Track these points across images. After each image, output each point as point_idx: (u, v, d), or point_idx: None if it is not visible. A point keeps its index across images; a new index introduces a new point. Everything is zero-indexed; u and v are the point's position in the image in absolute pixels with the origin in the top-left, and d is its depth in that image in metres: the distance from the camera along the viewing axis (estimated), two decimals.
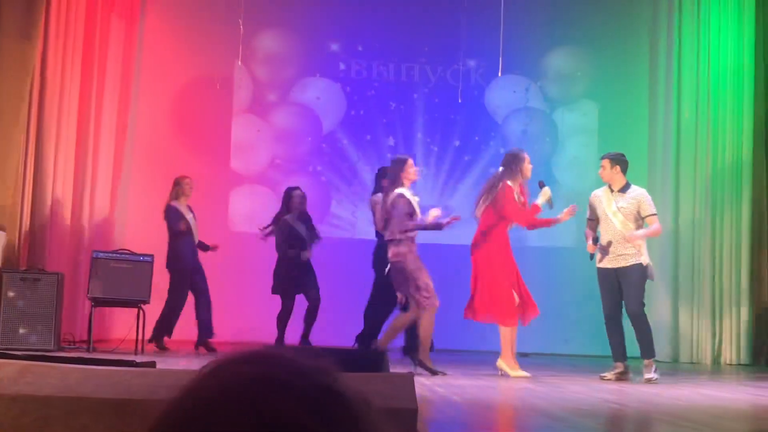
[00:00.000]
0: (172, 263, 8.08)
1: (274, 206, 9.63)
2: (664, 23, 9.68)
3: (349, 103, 9.81)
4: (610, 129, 9.93)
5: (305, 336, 8.36)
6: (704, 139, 9.31)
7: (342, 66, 9.84)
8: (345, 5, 9.85)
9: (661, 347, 8.89)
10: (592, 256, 6.90)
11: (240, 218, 9.59)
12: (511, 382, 6.25)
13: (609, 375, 6.68)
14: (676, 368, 8.16)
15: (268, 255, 9.44)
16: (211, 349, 8.04)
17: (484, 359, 7.95)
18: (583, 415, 4.57)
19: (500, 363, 6.81)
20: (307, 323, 8.33)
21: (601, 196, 6.87)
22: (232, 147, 9.60)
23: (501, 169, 7.08)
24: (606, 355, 8.58)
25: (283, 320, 8.30)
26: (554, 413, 4.66)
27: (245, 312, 9.29)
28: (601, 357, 8.67)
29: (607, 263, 6.75)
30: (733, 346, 9.09)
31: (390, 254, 6.85)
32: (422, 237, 9.66)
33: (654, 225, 6.76)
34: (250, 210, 9.60)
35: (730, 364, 8.98)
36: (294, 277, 8.29)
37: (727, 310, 9.11)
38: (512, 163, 6.96)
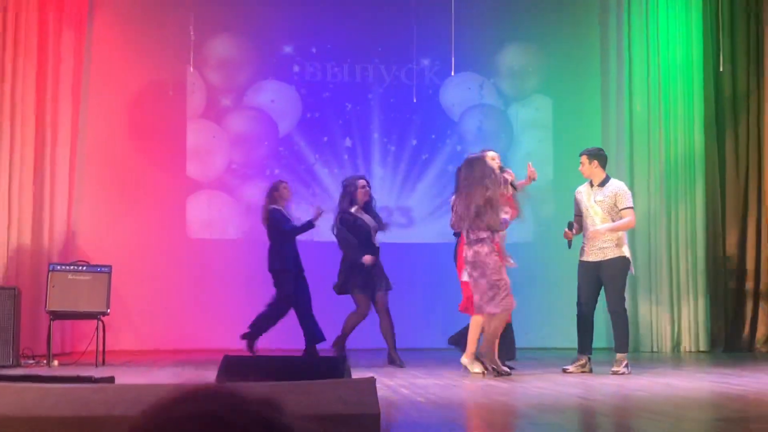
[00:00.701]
0: (278, 264, 8.00)
1: (230, 211, 9.58)
2: (613, 18, 9.79)
3: (305, 106, 9.77)
4: (564, 123, 10.02)
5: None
6: (656, 132, 9.44)
7: (296, 68, 9.80)
8: (296, 7, 9.80)
9: (606, 335, 9.01)
10: (569, 244, 6.96)
11: (198, 225, 9.52)
12: (474, 380, 6.27)
13: (572, 368, 6.75)
14: (637, 358, 8.25)
15: (227, 261, 9.39)
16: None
17: (446, 357, 7.97)
18: (547, 411, 4.61)
19: (465, 360, 6.86)
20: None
21: (583, 192, 6.99)
22: (187, 153, 9.52)
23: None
24: (565, 347, 8.68)
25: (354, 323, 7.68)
26: (519, 409, 4.69)
27: (204, 318, 9.22)
28: (562, 349, 8.76)
29: (589, 257, 6.84)
30: (692, 334, 9.23)
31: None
32: (396, 236, 9.70)
33: (625, 218, 6.83)
34: (208, 216, 9.53)
35: (690, 352, 9.12)
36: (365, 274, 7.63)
37: (684, 300, 9.25)
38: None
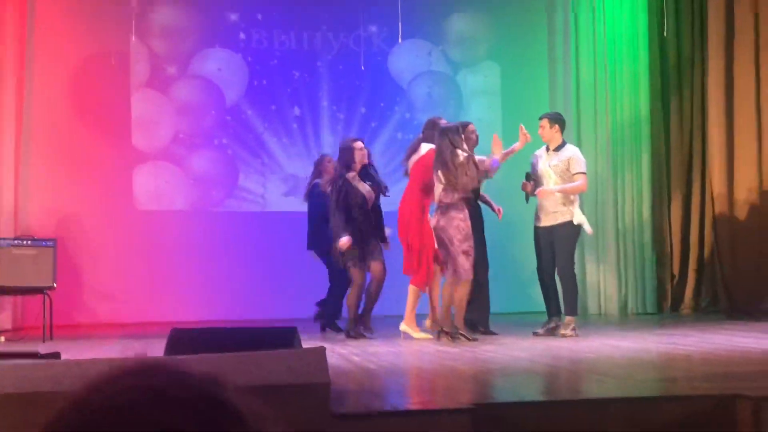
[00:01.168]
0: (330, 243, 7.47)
1: (178, 181, 9.47)
2: None
3: (252, 74, 9.66)
4: (512, 90, 10.06)
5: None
6: (603, 97, 9.52)
7: (242, 36, 9.67)
8: None
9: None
10: (527, 198, 7.03)
11: (146, 196, 9.39)
12: (424, 346, 6.31)
13: (542, 331, 6.87)
14: (585, 320, 8.37)
15: (175, 233, 9.29)
16: (337, 329, 7.58)
17: (397, 324, 8.01)
18: (495, 374, 4.66)
19: (403, 326, 6.93)
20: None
21: (539, 156, 7.07)
22: (132, 124, 9.36)
23: (420, 136, 7.19)
24: (515, 312, 8.78)
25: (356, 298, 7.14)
26: (467, 373, 4.73)
27: (152, 291, 9.13)
28: (512, 314, 8.87)
29: (542, 222, 6.93)
30: (638, 296, 9.40)
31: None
32: None
33: (576, 182, 6.90)
34: (156, 187, 9.40)
35: (636, 314, 9.29)
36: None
37: (631, 262, 9.40)
38: (430, 129, 7.08)
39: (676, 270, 9.48)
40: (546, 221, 6.91)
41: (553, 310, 6.96)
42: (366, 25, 9.77)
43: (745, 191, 8.71)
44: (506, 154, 7.15)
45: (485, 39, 10.15)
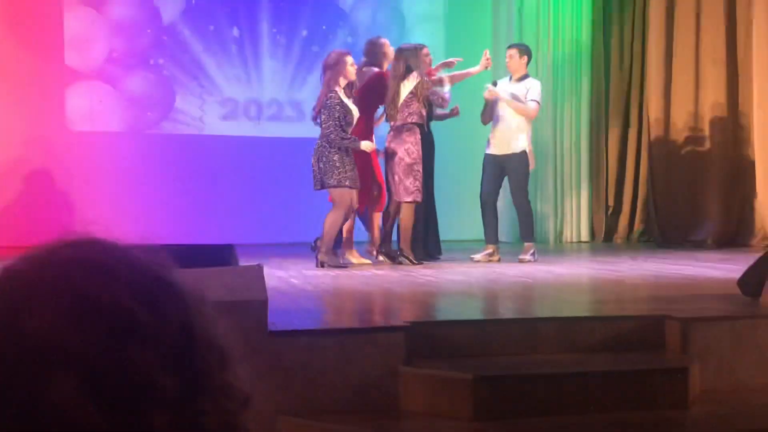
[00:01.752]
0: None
1: (113, 102, 9.22)
2: None
3: None
4: (456, 16, 9.97)
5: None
6: (545, 27, 9.50)
7: None
8: None
9: (507, 228, 9.24)
10: (486, 104, 7.11)
11: (79, 117, 9.13)
12: (363, 270, 6.34)
13: (479, 256, 6.95)
14: (520, 247, 8.48)
15: (110, 154, 9.09)
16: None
17: (337, 249, 8.02)
18: (431, 296, 4.71)
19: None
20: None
21: (500, 84, 7.15)
22: (65, 41, 9.04)
23: (363, 59, 7.10)
24: (467, 239, 8.85)
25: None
26: (403, 295, 4.77)
27: (87, 211, 8.96)
28: (463, 241, 8.97)
29: (494, 150, 6.98)
30: (574, 225, 9.55)
31: None
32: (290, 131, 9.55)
33: (531, 107, 6.98)
34: (89, 107, 9.14)
35: (571, 242, 9.45)
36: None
37: (567, 192, 9.52)
38: (372, 52, 6.99)
39: (611, 200, 9.63)
40: (499, 149, 6.98)
41: (491, 236, 7.05)
42: None
43: (681, 120, 8.84)
44: (462, 75, 7.19)
45: None
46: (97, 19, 9.14)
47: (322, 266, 6.36)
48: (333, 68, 6.54)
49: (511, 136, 6.95)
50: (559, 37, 9.50)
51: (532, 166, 7.18)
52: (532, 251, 6.95)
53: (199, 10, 9.37)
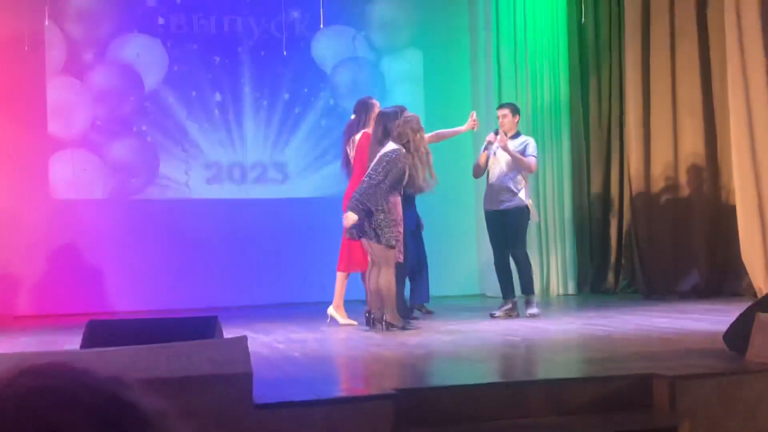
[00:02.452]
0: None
1: (97, 170, 9.24)
2: None
3: (171, 59, 9.46)
4: (435, 76, 10.10)
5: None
6: (523, 83, 9.64)
7: (161, 20, 9.46)
8: None
9: (494, 283, 9.24)
10: (486, 146, 7.17)
11: (63, 185, 9.13)
12: (349, 332, 6.31)
13: (499, 312, 6.98)
14: (490, 302, 8.47)
15: (94, 222, 9.08)
16: (428, 312, 7.48)
17: (322, 311, 7.99)
18: (418, 359, 4.69)
19: (331, 310, 6.92)
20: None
21: (493, 141, 7.22)
22: (48, 111, 9.08)
23: (353, 117, 7.12)
24: (439, 296, 8.83)
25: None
26: (390, 359, 4.75)
27: (70, 281, 8.91)
28: (466, 297, 8.98)
29: (490, 205, 7.05)
30: (560, 277, 9.57)
31: None
32: (277, 191, 9.58)
33: (530, 160, 7.07)
34: (73, 175, 9.16)
35: (558, 295, 9.46)
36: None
37: (552, 244, 9.56)
38: (362, 111, 6.99)
39: (596, 251, 9.68)
40: (497, 205, 7.06)
41: (508, 291, 7.12)
42: (288, 10, 9.67)
43: (662, 171, 8.93)
44: (449, 133, 7.28)
45: (407, 25, 10.16)
46: (79, 87, 9.21)
47: (389, 329, 6.21)
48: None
49: (505, 192, 7.04)
50: (538, 94, 9.63)
51: (534, 219, 7.29)
52: (535, 302, 7.06)
53: (181, 76, 9.46)
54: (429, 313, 7.55)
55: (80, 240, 8.99)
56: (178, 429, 0.73)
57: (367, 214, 6.26)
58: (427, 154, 6.44)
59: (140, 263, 9.08)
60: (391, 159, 6.27)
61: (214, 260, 9.33)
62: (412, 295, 7.55)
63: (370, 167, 6.37)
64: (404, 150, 6.35)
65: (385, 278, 6.26)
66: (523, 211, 7.07)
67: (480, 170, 7.28)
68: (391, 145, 6.40)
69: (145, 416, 0.71)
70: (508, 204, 7.05)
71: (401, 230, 6.59)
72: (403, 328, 6.22)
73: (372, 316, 6.42)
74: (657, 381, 3.85)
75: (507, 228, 7.09)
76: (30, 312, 8.65)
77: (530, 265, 7.31)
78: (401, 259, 6.64)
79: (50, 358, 0.75)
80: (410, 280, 7.43)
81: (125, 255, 9.07)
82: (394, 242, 6.30)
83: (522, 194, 7.08)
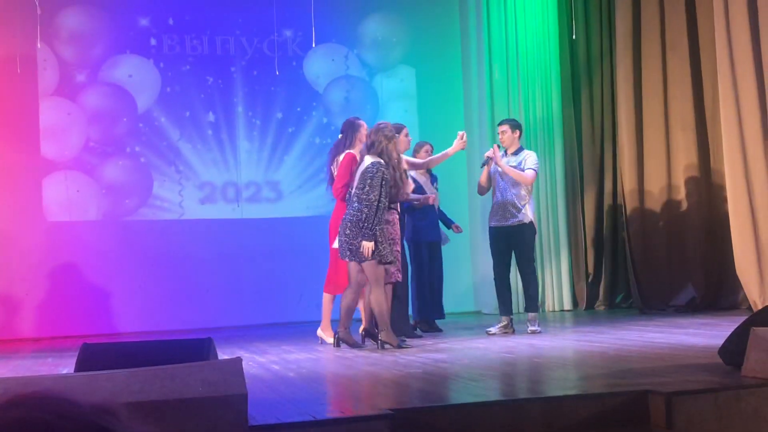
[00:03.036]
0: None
1: (90, 191, 9.23)
2: None
3: (164, 80, 9.48)
4: (428, 93, 10.14)
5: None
6: (516, 98, 9.67)
7: (153, 41, 9.48)
8: None
9: (489, 300, 9.24)
10: (485, 162, 7.16)
11: (56, 207, 9.12)
12: (344, 352, 6.29)
13: (494, 329, 6.98)
14: (481, 319, 8.46)
15: (87, 243, 9.06)
16: (436, 329, 7.49)
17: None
18: (414, 378, 4.67)
19: (320, 332, 6.91)
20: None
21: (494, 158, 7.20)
22: (41, 132, 9.09)
23: (340, 136, 7.11)
24: (462, 312, 8.80)
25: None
26: (385, 378, 4.73)
27: (64, 304, 8.88)
28: (460, 314, 8.91)
29: (495, 222, 7.04)
30: (555, 294, 9.56)
31: None
32: (270, 210, 9.56)
33: (527, 172, 7.05)
34: (66, 197, 9.15)
35: (553, 311, 9.45)
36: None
37: (547, 261, 9.56)
38: (348, 131, 6.97)
39: (591, 267, 9.67)
40: (502, 222, 7.06)
41: (506, 308, 7.10)
42: (280, 30, 9.70)
43: (655, 186, 8.95)
44: (439, 158, 7.25)
45: (399, 42, 10.20)
46: (72, 109, 9.21)
47: (383, 347, 6.21)
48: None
49: (511, 208, 7.04)
50: (530, 109, 9.66)
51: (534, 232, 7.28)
52: (537, 321, 7.07)
53: (174, 97, 9.47)
54: (437, 330, 7.54)
55: (74, 261, 8.97)
56: None
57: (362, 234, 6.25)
58: (399, 161, 6.42)
59: (134, 284, 9.06)
60: (373, 175, 6.25)
61: (208, 280, 9.31)
62: (430, 310, 7.56)
63: (356, 186, 6.35)
64: (383, 161, 6.34)
65: (374, 297, 6.25)
66: (528, 227, 7.07)
67: (483, 188, 7.28)
68: (368, 159, 6.38)
69: None
70: (512, 220, 7.06)
71: (399, 249, 6.59)
72: (399, 347, 6.20)
73: (337, 336, 6.43)
74: (653, 397, 3.84)
75: (512, 245, 7.08)
76: (24, 335, 8.61)
77: (538, 282, 7.33)
78: (400, 278, 6.63)
79: (34, 387, 0.74)
80: (423, 295, 7.47)
81: (119, 276, 9.05)
82: (391, 258, 6.28)
83: (527, 210, 7.08)
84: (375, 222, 6.21)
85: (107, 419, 0.72)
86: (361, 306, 6.75)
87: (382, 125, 6.50)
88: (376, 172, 6.24)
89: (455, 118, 10.03)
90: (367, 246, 6.17)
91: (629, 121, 9.07)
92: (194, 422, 3.30)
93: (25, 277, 8.82)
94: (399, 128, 6.98)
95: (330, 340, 6.78)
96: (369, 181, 6.23)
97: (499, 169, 7.14)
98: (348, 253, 6.31)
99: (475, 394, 4.03)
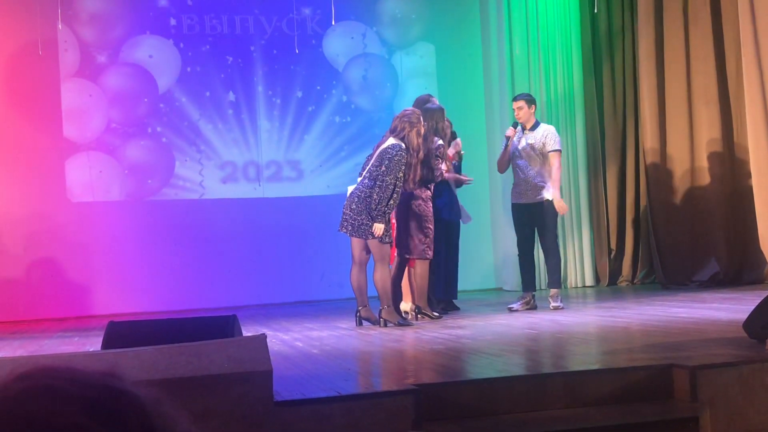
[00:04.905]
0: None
1: (113, 172, 9.29)
2: None
3: (184, 60, 9.50)
4: (448, 70, 10.09)
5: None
6: (537, 73, 9.60)
7: (173, 21, 9.49)
8: None
9: (511, 277, 9.24)
10: (508, 141, 7.17)
11: (79, 188, 9.19)
12: (366, 329, 6.32)
13: (517, 305, 6.98)
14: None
15: (111, 224, 9.13)
16: (454, 308, 7.41)
17: (342, 307, 8.01)
18: (437, 354, 4.69)
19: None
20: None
21: (513, 136, 7.23)
22: (63, 114, 9.14)
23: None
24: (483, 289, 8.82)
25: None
26: (408, 354, 4.75)
27: (90, 283, 8.97)
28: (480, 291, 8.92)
29: (517, 199, 7.08)
30: (577, 270, 9.53)
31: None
32: (293, 189, 9.60)
33: (554, 167, 7.06)
34: (89, 178, 9.21)
35: (575, 288, 9.43)
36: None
37: (569, 236, 9.52)
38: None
39: (613, 243, 9.63)
40: (525, 198, 7.06)
41: (529, 284, 7.12)
42: (299, 8, 9.68)
43: (678, 161, 8.88)
44: (456, 178, 7.23)
45: (419, 19, 10.15)
46: (93, 90, 9.26)
47: (385, 325, 6.25)
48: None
49: (533, 185, 7.04)
50: (551, 84, 9.59)
51: (563, 211, 7.22)
52: (559, 297, 7.05)
53: (194, 77, 9.49)
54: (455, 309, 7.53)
55: (98, 242, 9.05)
56: (175, 417, 0.74)
57: (368, 211, 6.28)
58: (419, 152, 6.41)
59: (158, 264, 9.13)
60: (392, 157, 6.27)
61: (230, 259, 9.36)
62: (441, 290, 7.54)
63: (372, 164, 6.37)
64: (403, 145, 6.34)
65: (379, 274, 6.30)
66: (551, 204, 7.07)
67: (503, 166, 7.30)
68: (390, 141, 6.40)
69: (141, 403, 0.71)
70: (536, 198, 7.05)
71: (431, 226, 6.61)
72: (400, 325, 6.22)
73: (358, 314, 6.45)
74: (677, 371, 3.83)
75: (535, 222, 7.09)
76: (50, 315, 8.71)
77: (560, 257, 7.32)
78: (431, 256, 6.64)
79: (42, 362, 0.76)
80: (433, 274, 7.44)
81: (143, 256, 9.12)
82: (388, 240, 6.29)
83: (548, 189, 7.07)
84: (389, 205, 6.23)
85: (114, 381, 0.73)
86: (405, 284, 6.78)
87: (408, 111, 6.51)
88: (395, 155, 6.26)
89: (475, 95, 9.99)
90: (378, 228, 6.20)
91: (651, 96, 8.98)
92: (220, 398, 3.34)
93: (50, 258, 8.91)
94: (425, 100, 6.98)
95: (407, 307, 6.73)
96: (387, 162, 6.25)
97: (519, 146, 7.12)
98: (350, 228, 6.35)
99: (498, 369, 4.05)
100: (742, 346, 4.24)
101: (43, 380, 0.70)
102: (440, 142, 6.78)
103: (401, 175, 6.27)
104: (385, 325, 6.24)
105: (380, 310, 6.31)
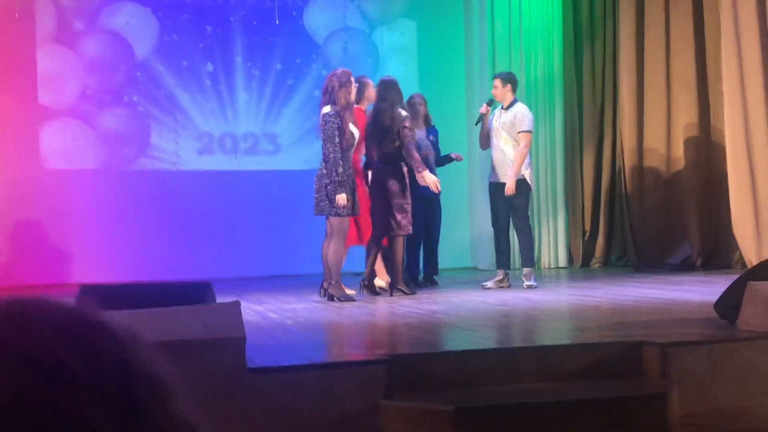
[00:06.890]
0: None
1: (88, 140, 9.20)
2: None
3: (162, 29, 9.39)
4: (429, 47, 10.05)
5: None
6: (517, 54, 9.60)
7: None
8: None
9: (486, 256, 9.27)
10: (480, 119, 7.22)
11: (54, 155, 9.09)
12: (342, 303, 6.32)
13: (490, 284, 7.01)
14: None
15: (86, 192, 9.05)
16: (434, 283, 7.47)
17: (317, 281, 8.00)
18: (410, 327, 4.70)
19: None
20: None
21: (493, 113, 7.27)
22: (38, 80, 9.02)
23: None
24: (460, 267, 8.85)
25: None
26: (381, 327, 4.77)
27: (63, 251, 8.90)
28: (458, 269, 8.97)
29: (493, 177, 7.17)
30: (551, 250, 9.59)
31: None
32: (269, 163, 9.53)
33: (520, 145, 7.05)
34: (64, 145, 9.11)
35: (549, 268, 9.48)
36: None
37: (544, 218, 9.57)
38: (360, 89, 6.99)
39: (588, 224, 9.69)
40: (497, 177, 7.09)
41: (502, 262, 7.15)
42: None
43: (655, 144, 8.93)
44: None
45: None
46: (70, 57, 9.14)
47: (332, 300, 6.26)
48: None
49: (506, 164, 7.06)
50: (532, 66, 9.59)
51: (508, 192, 7.21)
52: (533, 276, 7.10)
53: (172, 46, 9.40)
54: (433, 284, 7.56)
55: (72, 210, 8.96)
56: (151, 354, 0.73)
57: (323, 187, 6.30)
58: (346, 108, 6.38)
59: (132, 234, 9.06)
60: (324, 129, 6.35)
61: (205, 231, 9.32)
62: (417, 266, 7.56)
63: None
64: (332, 111, 6.37)
65: (333, 247, 6.33)
66: (522, 183, 7.08)
67: (483, 142, 7.34)
68: (326, 108, 6.44)
69: (117, 335, 0.70)
70: (506, 178, 7.07)
71: (408, 201, 6.59)
72: (343, 300, 6.21)
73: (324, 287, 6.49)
74: (647, 348, 3.87)
75: (506, 200, 7.11)
76: (21, 282, 8.63)
77: (532, 237, 7.36)
78: (410, 231, 6.64)
79: (16, 294, 0.76)
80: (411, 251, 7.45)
81: (117, 225, 9.05)
82: (341, 211, 6.29)
83: (521, 168, 7.09)
84: (339, 173, 6.23)
85: (91, 314, 0.72)
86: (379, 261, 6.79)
87: (338, 71, 6.54)
88: (326, 123, 6.33)
89: (456, 72, 9.97)
90: (341, 198, 6.21)
91: (630, 78, 9.01)
92: (193, 364, 3.33)
93: (24, 225, 8.82)
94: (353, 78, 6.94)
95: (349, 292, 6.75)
96: (322, 134, 6.35)
97: (494, 125, 7.15)
98: (315, 208, 6.40)
99: (470, 342, 4.07)
100: (712, 325, 4.30)
101: (17, 307, 0.70)
102: (404, 113, 6.75)
103: (338, 140, 6.27)
104: (331, 300, 6.23)
105: (328, 284, 6.32)
